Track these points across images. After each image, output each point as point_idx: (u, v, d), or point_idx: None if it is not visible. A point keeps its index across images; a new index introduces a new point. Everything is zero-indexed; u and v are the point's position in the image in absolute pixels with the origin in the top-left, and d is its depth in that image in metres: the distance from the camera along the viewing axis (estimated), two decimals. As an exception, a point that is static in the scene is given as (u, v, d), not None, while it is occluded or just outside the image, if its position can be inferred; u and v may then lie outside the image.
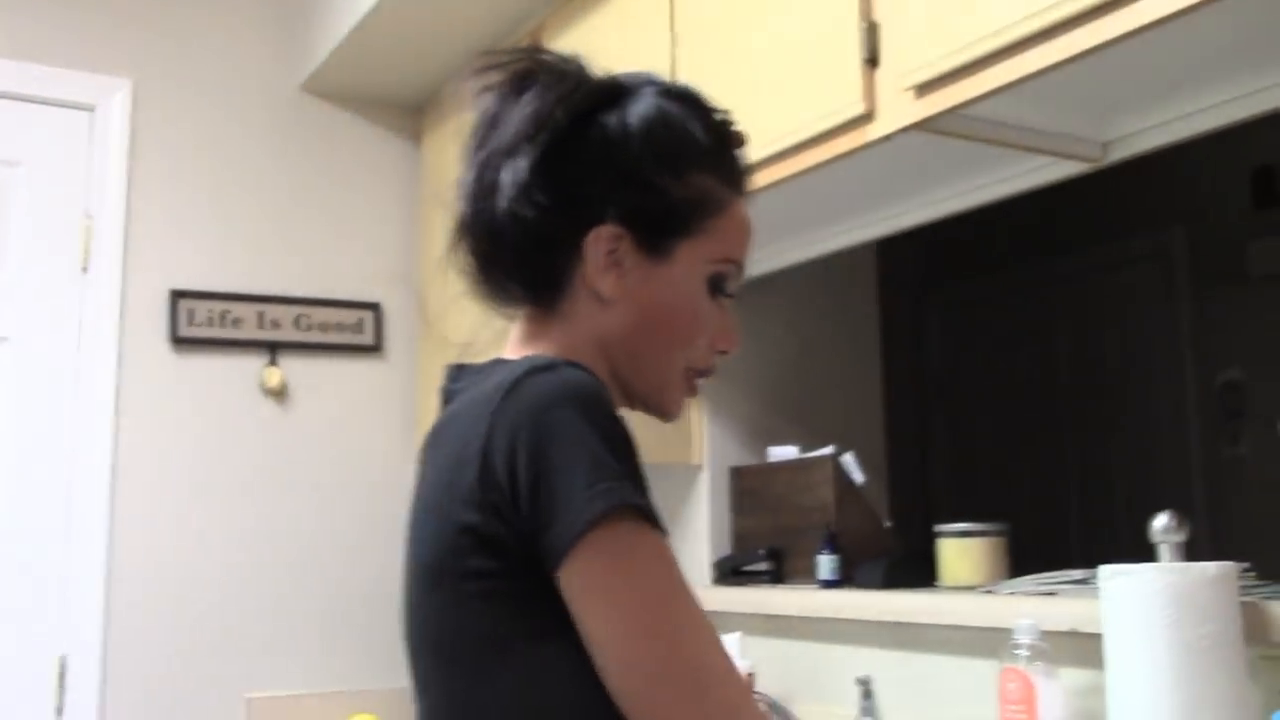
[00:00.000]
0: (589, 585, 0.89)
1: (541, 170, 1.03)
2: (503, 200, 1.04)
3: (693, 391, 1.10)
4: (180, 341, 2.92)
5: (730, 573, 2.54)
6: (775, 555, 2.48)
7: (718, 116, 1.09)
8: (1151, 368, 4.07)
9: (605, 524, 0.88)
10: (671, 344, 1.07)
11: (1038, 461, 4.28)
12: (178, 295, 2.93)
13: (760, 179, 1.94)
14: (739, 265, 1.09)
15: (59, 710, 2.71)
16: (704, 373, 1.10)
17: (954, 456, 4.55)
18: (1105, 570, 1.50)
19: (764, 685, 2.28)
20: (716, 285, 1.07)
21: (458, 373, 1.08)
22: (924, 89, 1.67)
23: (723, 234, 1.07)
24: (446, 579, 0.95)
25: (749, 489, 2.62)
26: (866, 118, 1.76)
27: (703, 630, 0.91)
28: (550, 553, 0.89)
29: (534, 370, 0.95)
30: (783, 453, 2.57)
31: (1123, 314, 4.13)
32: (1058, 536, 3.98)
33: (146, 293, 2.91)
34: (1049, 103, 1.72)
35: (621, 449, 0.92)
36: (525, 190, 1.03)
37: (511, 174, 1.03)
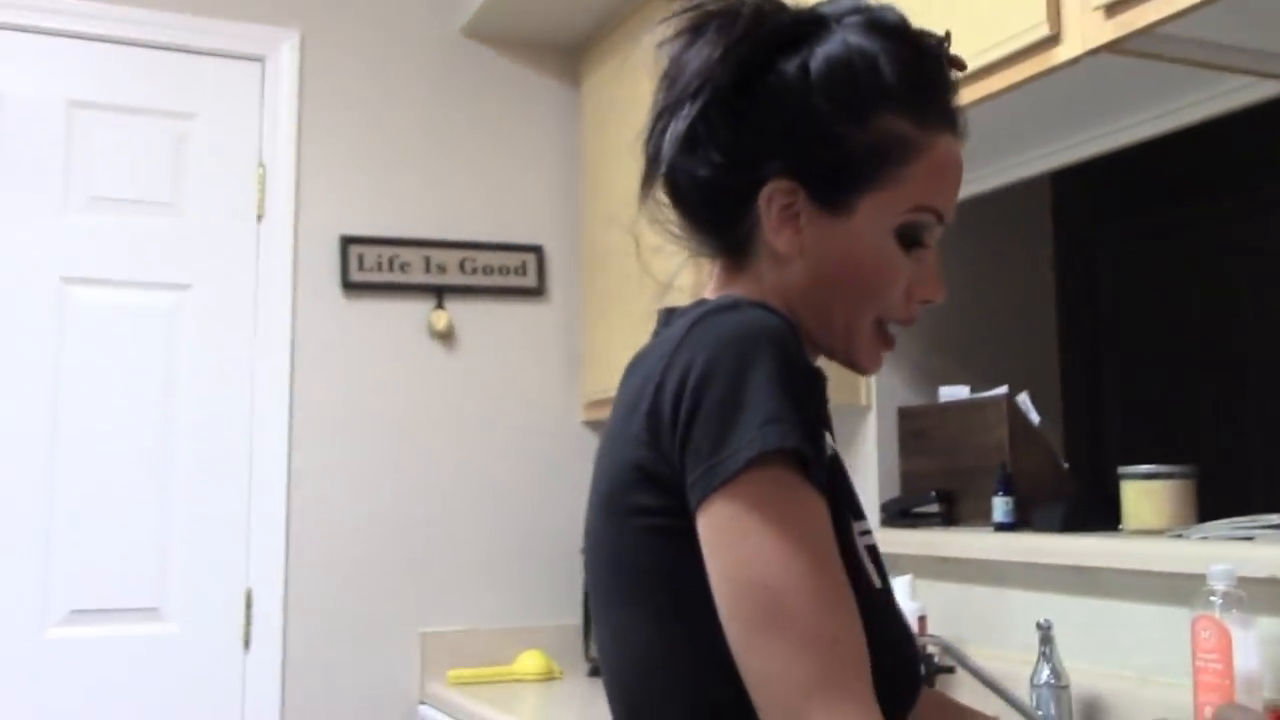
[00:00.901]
0: (719, 526, 0.87)
1: (706, 128, 1.00)
2: (665, 160, 1.02)
3: (888, 344, 1.05)
4: (351, 286, 2.99)
5: (899, 514, 2.50)
6: (946, 497, 2.43)
7: (922, 46, 1.01)
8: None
9: (752, 469, 0.86)
10: (856, 299, 1.01)
11: (1218, 404, 4.10)
12: (348, 241, 2.99)
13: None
14: (937, 213, 1.01)
15: (246, 641, 2.83)
16: (903, 322, 1.04)
17: (1130, 399, 4.39)
18: (1314, 514, 1.42)
19: (936, 628, 2.24)
20: (908, 236, 1.00)
21: (668, 316, 1.06)
22: (1114, 8, 1.58)
23: (915, 181, 0.99)
24: (617, 511, 0.96)
25: (918, 430, 2.56)
26: (1052, 40, 1.68)
27: (823, 596, 0.85)
28: (694, 490, 0.88)
29: (718, 309, 0.94)
30: (954, 393, 2.51)
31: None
32: (1240, 481, 3.81)
33: (318, 239, 2.99)
34: (1251, 18, 1.61)
35: (793, 392, 0.88)
36: (689, 149, 1.01)
37: (672, 134, 1.01)
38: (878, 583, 0.97)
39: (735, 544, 0.86)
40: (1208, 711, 1.61)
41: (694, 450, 0.88)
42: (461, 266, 3.08)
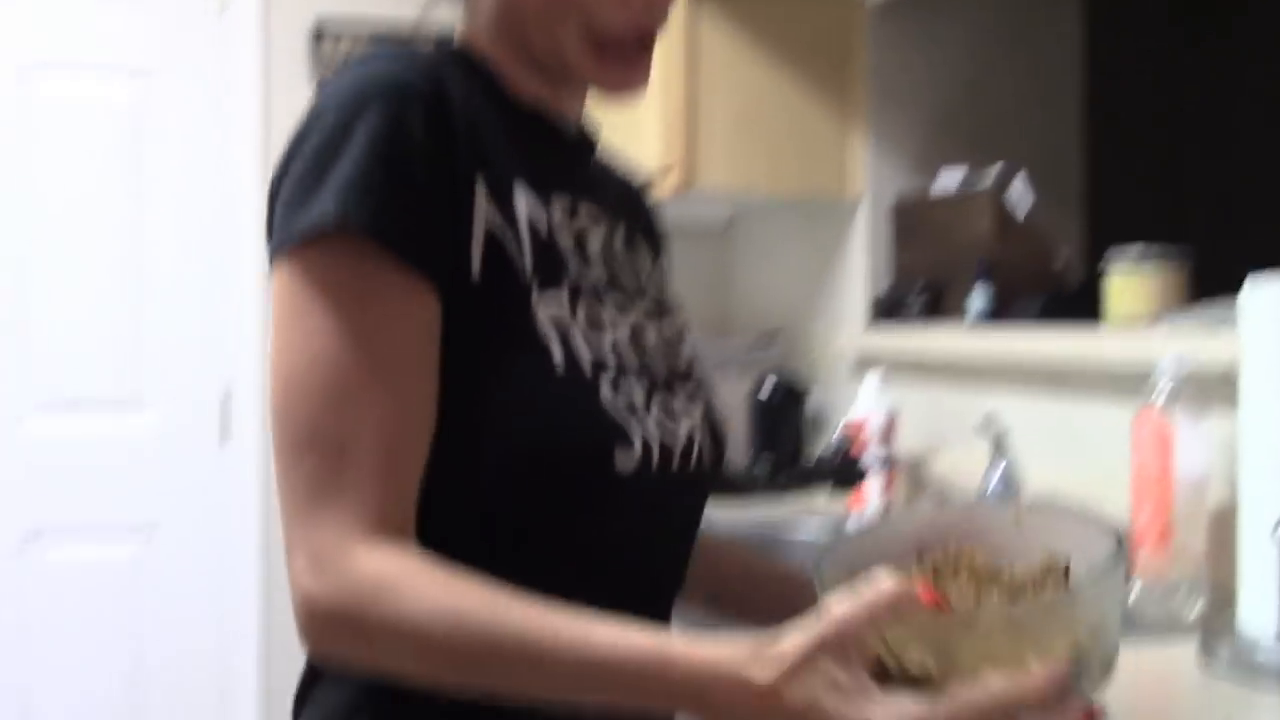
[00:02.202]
0: (275, 296, 0.79)
1: None
2: None
3: (620, 54, 0.87)
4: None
5: (887, 309, 2.33)
6: (932, 290, 2.25)
7: None
8: None
9: (319, 239, 0.76)
10: (551, 9, 0.86)
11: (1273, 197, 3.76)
12: (319, 33, 2.83)
13: None
14: None
15: (223, 434, 2.80)
16: (632, 29, 0.87)
17: (1155, 185, 4.05)
18: (1250, 282, 1.22)
19: (905, 430, 2.09)
20: None
21: None
22: None
23: None
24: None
25: (909, 224, 2.37)
26: None
27: (342, 391, 0.75)
28: (268, 254, 0.80)
29: (361, 58, 0.85)
30: (948, 179, 2.29)
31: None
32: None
33: (288, 30, 2.82)
34: None
35: (394, 158, 0.77)
36: None
37: None
38: (558, 359, 0.80)
39: (279, 319, 0.78)
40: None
41: (278, 211, 0.79)
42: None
